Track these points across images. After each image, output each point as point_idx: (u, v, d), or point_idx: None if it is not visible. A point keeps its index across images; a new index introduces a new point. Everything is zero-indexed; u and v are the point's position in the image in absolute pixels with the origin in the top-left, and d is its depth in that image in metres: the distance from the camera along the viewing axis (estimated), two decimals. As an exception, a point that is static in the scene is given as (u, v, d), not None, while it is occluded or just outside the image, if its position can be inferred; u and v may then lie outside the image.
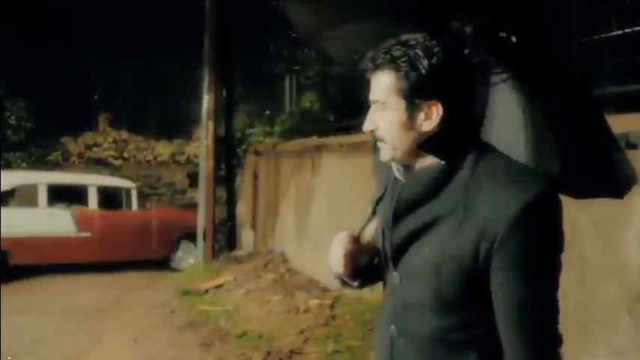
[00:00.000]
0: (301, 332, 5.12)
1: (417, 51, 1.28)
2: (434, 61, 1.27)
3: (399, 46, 1.30)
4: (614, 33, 3.95)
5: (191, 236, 9.29)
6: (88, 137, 14.56)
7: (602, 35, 4.00)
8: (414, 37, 1.31)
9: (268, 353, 4.70)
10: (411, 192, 1.36)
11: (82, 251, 8.67)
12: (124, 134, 14.87)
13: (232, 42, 9.35)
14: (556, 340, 1.33)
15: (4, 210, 8.24)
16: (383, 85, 1.33)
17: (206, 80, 8.90)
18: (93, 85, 15.61)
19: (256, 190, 9.56)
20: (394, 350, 1.44)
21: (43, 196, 8.56)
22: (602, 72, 4.01)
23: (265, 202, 9.36)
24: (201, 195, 9.25)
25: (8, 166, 12.53)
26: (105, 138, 14.58)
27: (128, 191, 9.44)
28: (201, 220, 9.06)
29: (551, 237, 1.29)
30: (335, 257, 1.51)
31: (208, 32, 8.78)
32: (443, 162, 1.33)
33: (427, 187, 1.33)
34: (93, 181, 9.45)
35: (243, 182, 10.14)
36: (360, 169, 5.87)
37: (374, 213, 1.53)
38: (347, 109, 7.82)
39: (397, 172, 1.41)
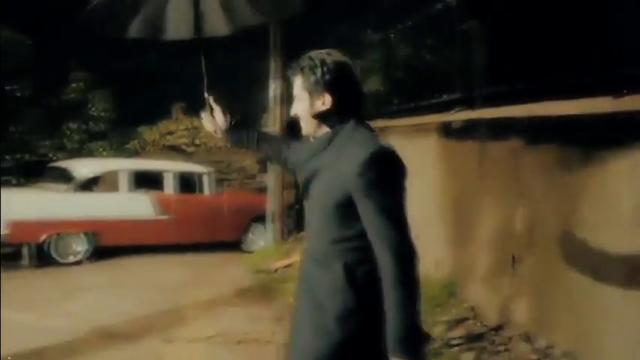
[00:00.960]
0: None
1: (315, 62, 2.04)
2: (325, 69, 2.02)
3: (305, 60, 2.07)
4: None
5: (261, 219, 9.63)
6: (162, 126, 15.20)
7: None
8: (317, 52, 2.08)
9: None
10: (310, 148, 2.12)
11: (160, 233, 9.16)
12: (196, 122, 15.43)
13: (298, 27, 9.56)
14: (411, 250, 1.90)
15: (90, 195, 8.87)
16: (297, 85, 2.10)
17: (272, 67, 9.16)
18: (167, 75, 16.25)
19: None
20: (305, 257, 2.16)
21: (124, 182, 9.11)
22: None
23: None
24: (270, 179, 9.57)
25: (91, 154, 13.34)
26: (178, 126, 15.17)
27: (202, 176, 9.86)
28: (270, 204, 9.38)
29: (386, 175, 1.92)
30: (205, 125, 2.79)
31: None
32: (329, 130, 2.06)
33: (319, 145, 2.07)
34: (170, 167, 9.89)
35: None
36: (425, 149, 5.98)
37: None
38: (411, 92, 7.89)
39: (311, 139, 2.15)
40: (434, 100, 7.09)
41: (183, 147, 14.93)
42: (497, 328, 4.41)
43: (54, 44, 13.08)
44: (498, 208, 4.67)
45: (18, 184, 11.97)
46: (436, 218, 5.65)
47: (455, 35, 6.50)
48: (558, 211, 3.93)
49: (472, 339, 4.32)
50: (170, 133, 15.12)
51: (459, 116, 5.72)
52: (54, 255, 8.39)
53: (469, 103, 5.86)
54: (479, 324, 4.55)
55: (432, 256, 5.59)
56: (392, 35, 8.70)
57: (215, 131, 2.74)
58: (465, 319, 4.65)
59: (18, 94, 13.09)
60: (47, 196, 8.75)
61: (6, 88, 12.96)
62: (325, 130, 2.07)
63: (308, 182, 2.09)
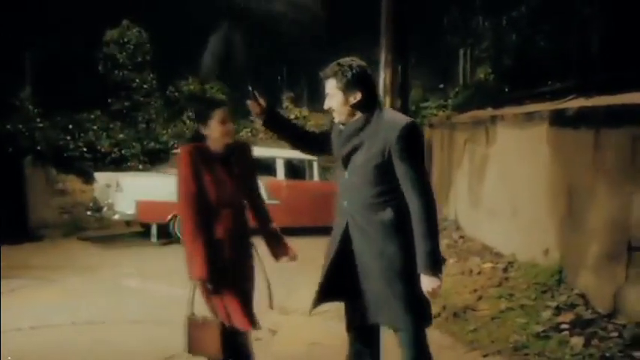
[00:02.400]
0: (475, 291, 5.41)
1: (345, 67, 2.72)
2: (354, 71, 2.71)
3: (336, 66, 2.74)
4: None
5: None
6: (272, 115, 15.83)
7: None
8: (344, 60, 2.75)
9: (443, 307, 5.08)
10: (348, 129, 2.77)
11: (272, 217, 9.64)
12: (305, 111, 15.93)
13: (409, 17, 9.65)
14: (429, 188, 2.65)
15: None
16: (330, 86, 2.76)
17: (383, 57, 9.31)
18: (277, 66, 16.87)
19: (429, 162, 9.86)
20: (345, 212, 2.78)
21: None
22: None
23: (439, 172, 9.65)
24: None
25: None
26: (287, 115, 15.74)
27: (311, 164, 10.25)
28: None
29: (416, 142, 2.66)
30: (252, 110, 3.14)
31: (385, 9, 9.14)
32: (361, 117, 2.74)
33: (356, 128, 2.73)
34: (280, 154, 10.37)
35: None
36: (534, 137, 5.95)
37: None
38: (521, 80, 7.80)
39: (341, 126, 2.81)
40: (546, 88, 7.00)
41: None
42: (609, 316, 4.38)
43: (173, 40, 14.04)
44: (613, 197, 4.61)
45: (143, 170, 13.04)
46: (547, 206, 5.63)
47: (572, 21, 6.38)
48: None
49: (582, 324, 4.33)
50: (280, 122, 15.69)
51: (573, 103, 5.65)
52: (178, 233, 9.12)
53: (584, 91, 5.76)
54: (589, 310, 4.53)
55: (541, 244, 5.58)
56: (504, 22, 8.60)
57: (257, 115, 3.14)
58: (575, 305, 4.65)
59: (144, 86, 14.17)
60: (172, 179, 9.46)
61: (133, 81, 14.09)
62: (355, 117, 2.74)
63: (350, 155, 2.75)
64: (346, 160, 2.77)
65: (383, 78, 9.37)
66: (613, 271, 4.49)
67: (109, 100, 14.10)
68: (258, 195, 3.39)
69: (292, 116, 15.71)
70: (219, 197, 3.05)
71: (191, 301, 3.07)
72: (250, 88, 3.08)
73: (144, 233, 9.64)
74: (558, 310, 4.60)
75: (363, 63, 2.79)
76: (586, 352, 4.00)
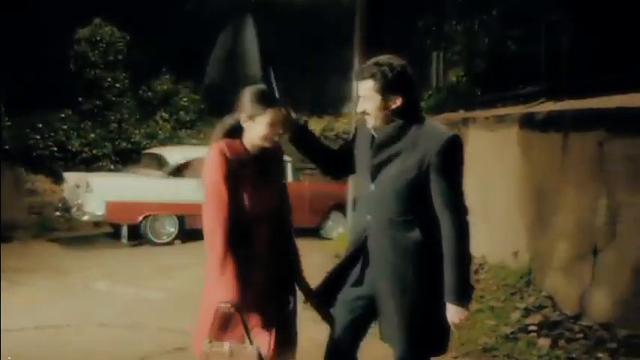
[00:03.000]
0: (446, 293, 5.44)
1: (385, 68, 2.40)
2: (395, 73, 2.40)
3: (374, 65, 2.42)
4: None
5: (341, 207, 9.88)
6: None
7: None
8: (382, 59, 2.44)
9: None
10: (383, 137, 2.47)
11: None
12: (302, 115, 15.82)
13: (382, 20, 9.69)
14: (465, 210, 2.42)
15: (180, 181, 9.43)
16: (366, 88, 2.43)
17: (356, 58, 9.33)
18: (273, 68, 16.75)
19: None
20: (367, 226, 2.51)
21: (212, 168, 9.60)
22: None
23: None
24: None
25: (180, 142, 14.07)
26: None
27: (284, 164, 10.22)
28: (350, 192, 9.61)
29: (457, 158, 2.42)
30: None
31: (359, 12, 9.17)
32: (398, 124, 2.44)
33: (392, 137, 2.45)
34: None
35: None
36: (505, 140, 6.02)
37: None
38: (493, 83, 7.89)
39: (373, 132, 2.51)
40: (517, 92, 7.09)
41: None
42: (576, 317, 4.46)
43: (148, 39, 13.89)
44: (580, 199, 4.69)
45: (114, 170, 12.87)
46: (516, 208, 5.70)
47: (541, 25, 6.47)
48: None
49: (549, 326, 4.40)
50: (254, 121, 15.59)
51: (542, 107, 5.73)
52: (150, 235, 9.02)
53: (553, 95, 5.85)
54: (556, 312, 4.61)
55: (511, 245, 5.65)
56: (476, 26, 8.70)
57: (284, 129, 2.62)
58: (543, 306, 4.71)
59: (117, 85, 13.98)
60: (144, 180, 9.39)
61: (105, 80, 13.89)
62: (392, 124, 2.45)
63: (381, 166, 2.46)
64: (375, 171, 2.47)
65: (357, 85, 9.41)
66: (580, 273, 4.57)
67: (80, 99, 13.87)
68: (288, 210, 2.72)
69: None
70: (254, 207, 2.48)
71: (215, 328, 2.43)
72: (272, 81, 2.60)
73: (114, 234, 9.52)
74: (527, 311, 4.67)
75: (403, 62, 2.46)
76: (553, 353, 4.07)
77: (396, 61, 2.44)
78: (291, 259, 2.71)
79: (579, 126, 4.78)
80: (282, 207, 2.64)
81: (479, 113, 7.37)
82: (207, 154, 2.48)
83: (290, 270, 2.70)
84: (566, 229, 4.83)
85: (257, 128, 2.48)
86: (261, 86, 2.57)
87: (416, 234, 2.41)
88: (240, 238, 2.44)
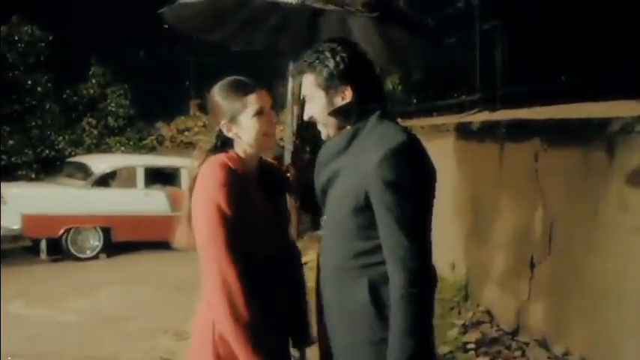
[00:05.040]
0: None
1: (326, 54, 1.75)
2: (338, 59, 1.74)
3: (312, 53, 1.78)
4: None
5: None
6: (180, 122, 15.26)
7: None
8: (324, 44, 1.79)
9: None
10: (329, 149, 1.82)
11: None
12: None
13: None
14: (424, 270, 1.61)
15: (107, 190, 8.92)
16: (307, 84, 1.79)
17: (291, 66, 9.11)
18: (184, 71, 16.31)
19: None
20: (320, 277, 1.85)
21: (140, 177, 9.15)
22: None
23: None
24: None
25: (109, 150, 13.43)
26: (195, 122, 15.22)
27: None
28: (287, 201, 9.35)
29: (403, 174, 1.63)
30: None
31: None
32: (353, 126, 1.76)
33: (339, 145, 1.78)
34: (185, 163, 9.93)
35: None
36: (442, 150, 5.91)
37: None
38: (429, 92, 7.83)
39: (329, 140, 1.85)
40: (453, 101, 7.03)
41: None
42: (513, 333, 4.35)
43: (73, 40, 13.19)
44: (516, 211, 4.61)
45: (36, 179, 12.10)
46: (452, 220, 5.59)
47: (476, 35, 6.43)
48: (577, 214, 3.85)
49: (487, 343, 4.26)
50: (187, 129, 15.17)
51: (477, 117, 5.66)
52: (71, 249, 8.46)
53: (489, 104, 5.79)
54: (494, 328, 4.49)
55: (448, 258, 5.53)
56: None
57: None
58: (480, 322, 4.59)
59: (38, 89, 13.19)
60: (65, 190, 8.82)
61: (25, 82, 13.08)
62: (342, 131, 1.79)
63: (325, 187, 1.81)
64: (323, 193, 1.84)
65: (292, 86, 9.20)
66: (517, 287, 4.47)
67: (-2, 103, 13.01)
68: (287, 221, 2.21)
69: (200, 124, 15.20)
70: (258, 225, 1.92)
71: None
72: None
73: (33, 249, 8.88)
74: (465, 328, 4.53)
75: (352, 42, 1.87)
76: (491, 372, 3.94)
77: (342, 43, 1.80)
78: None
79: (514, 136, 4.70)
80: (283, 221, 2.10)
81: (415, 122, 7.27)
82: (203, 171, 1.92)
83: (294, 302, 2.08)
84: (503, 241, 4.73)
85: (245, 130, 1.90)
86: (229, 77, 1.96)
87: (361, 290, 1.69)
88: (246, 263, 1.83)
